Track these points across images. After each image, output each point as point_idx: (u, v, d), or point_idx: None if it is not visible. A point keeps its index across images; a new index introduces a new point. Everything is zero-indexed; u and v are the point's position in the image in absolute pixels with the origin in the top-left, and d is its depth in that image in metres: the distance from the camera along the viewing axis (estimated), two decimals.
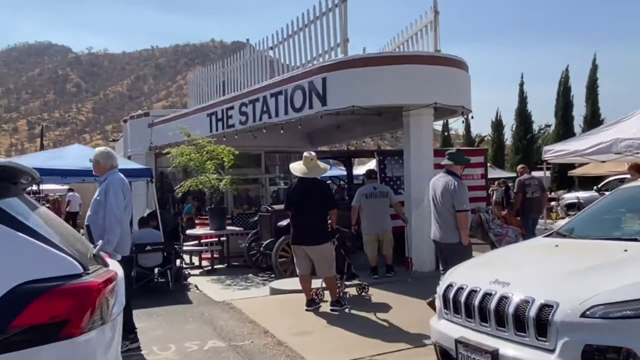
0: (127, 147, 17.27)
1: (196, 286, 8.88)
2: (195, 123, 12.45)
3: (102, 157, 5.35)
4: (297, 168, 6.85)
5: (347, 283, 7.28)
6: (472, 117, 9.31)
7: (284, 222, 8.79)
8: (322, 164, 7.01)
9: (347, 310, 6.58)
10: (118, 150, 21.81)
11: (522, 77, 34.44)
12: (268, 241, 9.24)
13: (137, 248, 8.22)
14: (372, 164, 20.45)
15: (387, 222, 8.46)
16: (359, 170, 20.23)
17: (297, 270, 6.78)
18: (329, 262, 6.57)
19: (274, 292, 7.82)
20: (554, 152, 10.85)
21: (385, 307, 6.71)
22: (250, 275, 9.75)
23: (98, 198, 5.19)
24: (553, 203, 23.70)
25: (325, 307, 6.67)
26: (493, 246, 9.22)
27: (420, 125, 8.72)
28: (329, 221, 6.63)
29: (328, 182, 13.43)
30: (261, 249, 9.38)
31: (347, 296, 7.03)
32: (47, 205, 17.02)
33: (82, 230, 10.55)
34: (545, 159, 10.06)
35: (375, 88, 8.26)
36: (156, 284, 8.67)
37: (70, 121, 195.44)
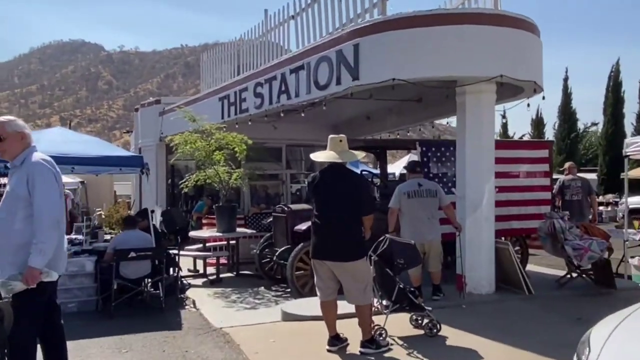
0: (137, 138, 15.80)
1: (194, 302, 7.18)
2: (206, 108, 10.79)
3: (10, 127, 3.61)
4: (321, 154, 5.07)
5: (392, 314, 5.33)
6: (544, 98, 7.32)
7: (303, 226, 7.02)
8: (354, 151, 5.18)
9: (387, 352, 4.75)
10: (130, 142, 20.52)
11: (566, 72, 31.80)
12: (283, 249, 7.48)
13: (118, 255, 6.57)
14: (404, 162, 18.49)
15: (436, 230, 6.55)
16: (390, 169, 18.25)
17: (319, 294, 4.95)
18: (363, 285, 4.74)
19: (287, 317, 6.03)
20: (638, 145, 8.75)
21: (444, 350, 4.86)
22: (262, 288, 8.02)
23: (13, 191, 3.50)
24: (602, 208, 21.32)
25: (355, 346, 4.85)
26: (570, 263, 7.27)
27: (480, 106, 6.81)
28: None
29: None
30: (274, 257, 7.63)
31: (385, 335, 5.04)
32: None
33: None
34: (628, 153, 8.00)
35: (422, 56, 6.39)
36: (145, 298, 7.00)
37: (101, 118, 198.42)
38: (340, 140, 4.91)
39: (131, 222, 7.15)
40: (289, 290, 7.43)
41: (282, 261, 7.36)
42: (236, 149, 9.16)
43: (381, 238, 5.17)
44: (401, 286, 5.02)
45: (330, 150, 4.92)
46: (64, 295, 6.71)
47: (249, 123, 9.53)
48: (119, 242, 6.80)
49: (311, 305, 5.81)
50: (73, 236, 7.88)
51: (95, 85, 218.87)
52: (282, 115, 8.68)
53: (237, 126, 9.72)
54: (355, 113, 11.94)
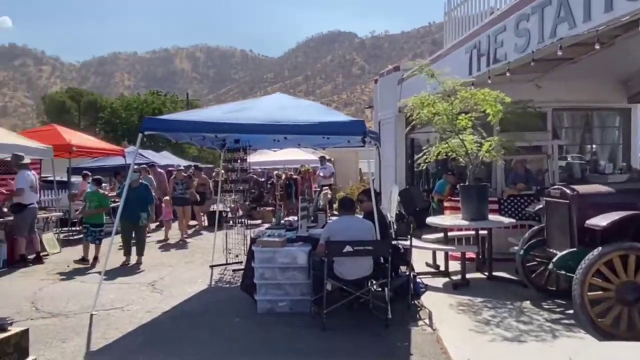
0: (376, 111, 14.56)
1: (430, 316, 5.31)
2: (450, 65, 8.66)
3: None
4: None
5: None
6: None
7: (603, 221, 4.41)
8: None
9: None
10: (372, 118, 19.60)
11: None
12: (564, 253, 4.96)
13: (331, 248, 5.07)
14: None
15: None
16: None
17: None
18: None
19: None
20: None
21: None
22: (527, 303, 5.66)
23: None
24: None
25: None
26: None
27: None
28: None
29: None
30: (551, 264, 5.15)
31: None
32: (294, 176, 15.66)
33: None
34: None
35: None
36: (366, 305, 5.41)
37: (355, 101, 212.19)
38: None
39: (348, 204, 5.58)
40: (571, 311, 4.93)
41: (562, 271, 4.86)
42: (488, 111, 6.86)
43: None
44: None
45: None
46: (275, 292, 5.57)
47: (507, 74, 7.04)
48: (333, 230, 5.30)
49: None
50: (290, 218, 6.81)
51: (349, 72, 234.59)
52: (559, 52, 5.95)
53: (489, 82, 7.36)
54: None
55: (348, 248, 4.99)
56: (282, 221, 7.34)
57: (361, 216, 6.02)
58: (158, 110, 44.89)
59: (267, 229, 6.75)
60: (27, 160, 9.04)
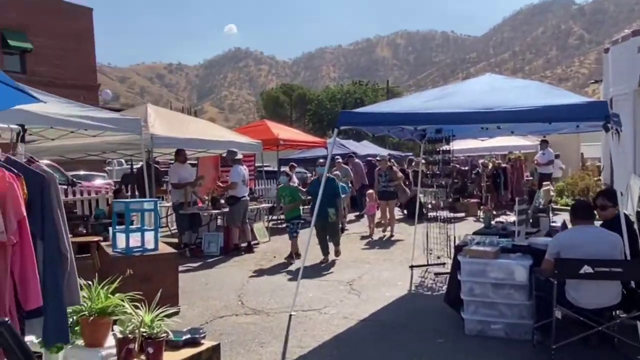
0: (607, 87, 12.26)
1: None
2: None
3: None
4: None
5: None
6: None
7: None
8: None
9: None
10: (599, 93, 16.61)
11: None
12: None
13: (562, 267, 4.00)
14: None
15: None
16: None
17: None
18: None
19: None
20: None
21: None
22: None
23: None
24: None
25: None
26: None
27: None
28: None
29: None
30: None
31: None
32: (503, 165, 14.10)
33: None
34: None
35: None
36: (608, 339, 4.19)
37: (572, 76, 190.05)
38: None
39: (587, 212, 4.34)
40: None
41: None
42: None
43: None
44: None
45: None
46: (486, 312, 4.70)
47: None
48: (565, 244, 4.19)
49: None
50: (502, 219, 5.78)
51: (565, 43, 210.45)
52: None
53: None
54: None
55: (587, 269, 3.86)
56: (493, 223, 6.36)
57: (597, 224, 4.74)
58: (359, 100, 46.06)
59: (474, 233, 5.86)
60: (239, 155, 9.62)
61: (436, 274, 7.17)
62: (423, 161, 8.16)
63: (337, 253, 8.56)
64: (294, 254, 8.51)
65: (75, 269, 2.54)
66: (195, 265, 8.29)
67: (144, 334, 3.01)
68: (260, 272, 7.72)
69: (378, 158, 11.89)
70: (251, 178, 13.65)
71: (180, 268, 8.00)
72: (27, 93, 3.15)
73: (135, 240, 5.76)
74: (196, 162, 12.93)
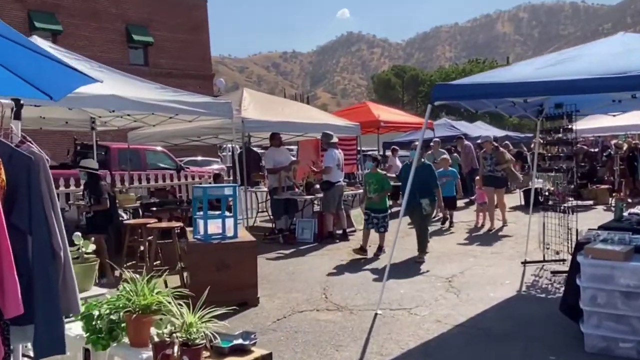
0: None
1: None
2: None
3: None
4: None
5: None
6: None
7: None
8: None
9: None
10: None
11: None
12: None
13: None
14: None
15: None
16: None
17: None
18: None
19: None
20: None
21: None
22: None
23: None
24: None
25: None
26: None
27: None
28: None
29: None
30: None
31: None
32: None
33: None
34: None
35: None
36: None
37: None
38: None
39: None
40: None
41: None
42: None
43: None
44: None
45: None
46: (614, 326, 3.80)
47: None
48: None
49: None
50: (637, 210, 4.68)
51: None
52: None
53: None
54: None
55: None
56: (626, 214, 5.22)
57: None
58: None
59: (600, 227, 4.81)
60: (335, 139, 9.16)
61: (553, 273, 6.16)
62: (540, 141, 7.06)
63: (420, 258, 7.15)
64: (377, 248, 7.59)
65: (73, 271, 2.21)
66: (287, 252, 8.03)
67: (181, 338, 2.66)
68: (351, 263, 7.22)
69: (480, 140, 10.65)
70: (352, 162, 13.19)
71: (270, 255, 7.83)
72: (83, 74, 2.96)
73: (216, 227, 5.56)
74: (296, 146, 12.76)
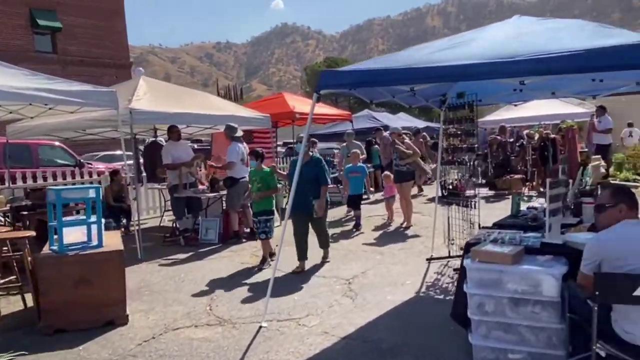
0: None
1: None
2: None
3: None
4: None
5: None
6: None
7: None
8: None
9: None
10: None
11: None
12: None
13: (603, 284, 2.68)
14: None
15: None
16: None
17: None
18: None
19: None
20: None
21: None
22: None
23: None
24: None
25: None
26: None
27: None
28: None
29: None
30: None
31: None
32: (552, 136, 12.34)
33: None
34: None
35: None
36: None
37: None
38: None
39: (632, 199, 2.96)
40: None
41: None
42: None
43: None
44: None
45: None
46: (503, 336, 3.46)
47: None
48: (609, 249, 2.83)
49: None
50: (537, 204, 4.41)
51: (629, 5, 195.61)
52: None
53: None
54: None
55: None
56: (524, 208, 4.98)
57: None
58: None
59: (494, 224, 4.51)
60: (239, 132, 8.54)
61: (455, 270, 5.90)
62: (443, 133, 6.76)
63: (325, 257, 6.71)
64: (269, 256, 6.69)
65: None
66: (184, 256, 7.36)
67: None
68: (251, 267, 6.66)
69: (388, 132, 10.17)
70: (269, 156, 12.59)
71: (164, 260, 7.13)
72: None
73: (82, 234, 4.83)
74: (210, 138, 12.00)
